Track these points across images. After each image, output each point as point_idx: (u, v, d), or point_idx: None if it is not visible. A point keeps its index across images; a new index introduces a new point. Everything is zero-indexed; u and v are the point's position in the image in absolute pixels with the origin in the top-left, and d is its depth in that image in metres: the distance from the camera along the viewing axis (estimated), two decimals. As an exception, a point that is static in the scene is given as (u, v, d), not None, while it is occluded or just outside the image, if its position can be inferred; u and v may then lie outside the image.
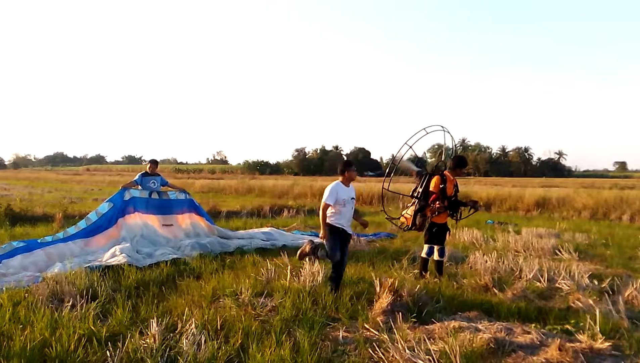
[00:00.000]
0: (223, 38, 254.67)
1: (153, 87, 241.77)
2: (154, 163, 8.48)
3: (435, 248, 5.77)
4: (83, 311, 3.97)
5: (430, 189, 5.59)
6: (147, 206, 7.73)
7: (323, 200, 5.00)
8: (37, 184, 29.93)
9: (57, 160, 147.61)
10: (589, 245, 8.74)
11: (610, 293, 5.08)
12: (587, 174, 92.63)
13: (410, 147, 5.94)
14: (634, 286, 5.06)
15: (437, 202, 5.51)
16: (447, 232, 5.83)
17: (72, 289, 4.54)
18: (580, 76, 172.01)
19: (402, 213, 6.03)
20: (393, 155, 6.09)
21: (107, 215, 7.24)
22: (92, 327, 3.65)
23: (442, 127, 6.06)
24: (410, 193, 5.95)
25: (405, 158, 6.11)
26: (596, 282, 5.56)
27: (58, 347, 3.26)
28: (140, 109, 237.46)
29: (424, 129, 5.93)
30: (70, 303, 4.16)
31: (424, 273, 5.79)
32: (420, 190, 5.70)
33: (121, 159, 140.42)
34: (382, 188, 6.39)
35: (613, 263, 7.04)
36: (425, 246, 5.79)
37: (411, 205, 5.86)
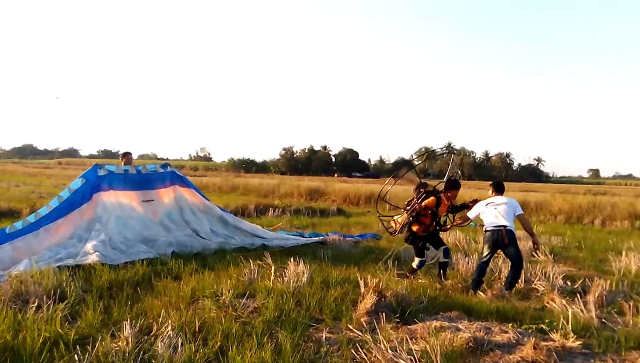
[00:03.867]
0: (208, 31, 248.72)
1: (131, 77, 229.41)
2: (127, 155, 8.07)
3: (440, 250, 5.87)
4: (50, 312, 3.77)
5: (423, 204, 5.70)
6: (124, 182, 7.29)
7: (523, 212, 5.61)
8: (2, 178, 28.39)
9: (26, 152, 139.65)
10: (564, 247, 8.98)
11: (582, 293, 5.23)
12: (563, 180, 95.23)
13: (414, 168, 6.06)
14: (604, 287, 5.23)
15: (419, 207, 5.64)
16: (438, 233, 5.97)
17: (38, 289, 4.32)
18: (559, 85, 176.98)
19: (394, 217, 6.13)
20: (411, 160, 6.31)
21: (79, 191, 6.80)
22: (59, 330, 3.49)
23: (450, 147, 6.22)
24: (406, 204, 6.05)
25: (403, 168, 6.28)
26: (569, 283, 5.72)
27: (21, 351, 3.12)
28: (118, 100, 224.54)
29: (434, 150, 6.13)
30: (35, 304, 3.93)
31: (408, 275, 5.88)
32: (416, 203, 5.78)
33: (96, 153, 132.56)
34: (379, 195, 6.45)
35: (585, 265, 7.26)
36: (416, 260, 5.87)
37: (405, 213, 5.94)
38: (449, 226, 6.06)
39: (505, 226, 5.33)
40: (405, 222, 5.83)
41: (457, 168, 6.58)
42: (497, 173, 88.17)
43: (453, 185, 5.85)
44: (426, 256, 5.94)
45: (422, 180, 6.24)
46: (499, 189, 5.76)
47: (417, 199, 5.81)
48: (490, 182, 6.09)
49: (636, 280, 6.25)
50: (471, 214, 5.73)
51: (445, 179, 6.20)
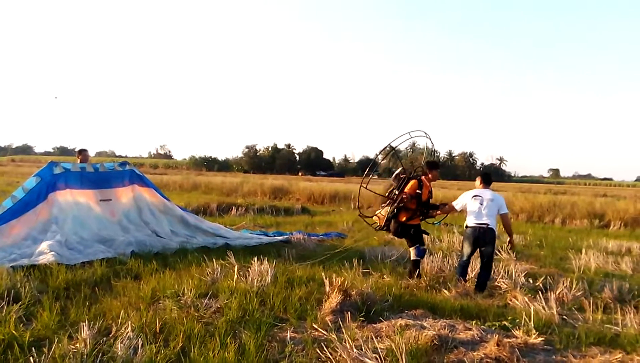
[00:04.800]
0: (167, 26, 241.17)
1: (88, 72, 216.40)
2: (83, 152, 7.81)
3: (413, 247, 5.79)
4: (3, 314, 3.63)
5: (405, 191, 5.60)
6: (81, 181, 7.01)
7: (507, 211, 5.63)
8: (-49, 176, 27.14)
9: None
10: (525, 246, 9.23)
11: (544, 291, 5.39)
12: (524, 179, 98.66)
13: (394, 149, 6.03)
14: (565, 284, 5.38)
15: (406, 197, 5.54)
16: (425, 234, 5.94)
17: (-9, 290, 4.13)
18: (520, 85, 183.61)
19: (376, 213, 6.02)
20: (377, 154, 6.13)
21: (34, 190, 6.50)
22: (14, 331, 3.35)
23: (425, 133, 6.21)
24: (387, 193, 5.91)
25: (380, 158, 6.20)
26: (531, 281, 5.87)
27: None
28: (74, 95, 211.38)
29: (409, 133, 6.05)
30: (-12, 306, 3.78)
31: (414, 277, 5.71)
32: (397, 192, 5.69)
33: (52, 150, 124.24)
34: (360, 186, 6.34)
35: (546, 263, 7.46)
36: (412, 249, 5.76)
37: (385, 205, 5.83)
38: (434, 214, 5.98)
39: (487, 225, 5.38)
40: (389, 214, 5.68)
41: (431, 151, 6.63)
42: (461, 172, 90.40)
43: (432, 165, 5.82)
44: (425, 243, 5.84)
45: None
46: (486, 181, 5.75)
47: (398, 187, 5.72)
48: (480, 173, 6.03)
49: (595, 277, 6.48)
50: (457, 204, 5.72)
51: (423, 162, 6.12)
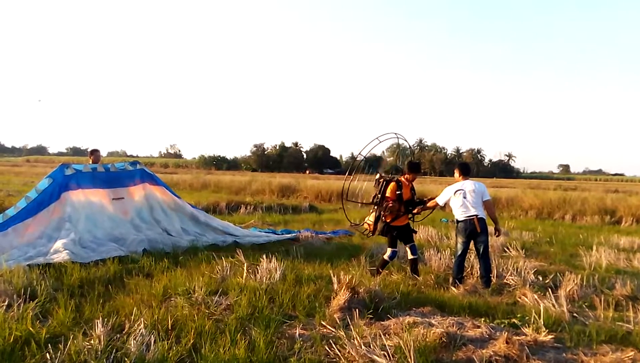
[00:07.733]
0: (176, 26, 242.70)
1: (100, 74, 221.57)
2: (94, 152, 7.93)
3: (407, 247, 5.86)
4: (20, 311, 3.71)
5: (387, 195, 5.74)
6: (93, 181, 7.12)
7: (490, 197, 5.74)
8: (-31, 176, 27.66)
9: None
10: (535, 242, 9.18)
11: (554, 288, 5.36)
12: (534, 175, 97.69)
13: (364, 157, 6.16)
14: (575, 281, 5.35)
15: (390, 202, 5.66)
16: (413, 232, 5.98)
17: (9, 288, 4.24)
18: (529, 81, 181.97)
19: (365, 220, 6.13)
20: (354, 156, 6.22)
21: (47, 191, 6.64)
22: (31, 328, 3.44)
23: (396, 134, 6.24)
24: (371, 200, 6.02)
25: (364, 158, 6.26)
26: (541, 278, 5.83)
27: (-9, 350, 3.03)
28: (87, 97, 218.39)
29: (377, 138, 6.11)
30: (5, 303, 3.89)
31: (380, 270, 5.90)
32: (379, 196, 5.81)
33: (65, 151, 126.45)
34: (342, 199, 6.43)
35: (556, 260, 7.42)
36: (389, 250, 5.86)
37: (373, 211, 5.94)
38: (416, 211, 6.03)
39: (477, 215, 5.44)
40: (376, 216, 5.84)
41: (407, 151, 6.71)
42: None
43: (412, 167, 5.90)
44: (398, 247, 5.95)
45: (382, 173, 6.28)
46: (465, 172, 5.80)
47: (379, 191, 5.84)
48: (457, 165, 6.08)
49: (607, 274, 6.42)
50: (440, 200, 5.78)
51: (400, 163, 6.26)
